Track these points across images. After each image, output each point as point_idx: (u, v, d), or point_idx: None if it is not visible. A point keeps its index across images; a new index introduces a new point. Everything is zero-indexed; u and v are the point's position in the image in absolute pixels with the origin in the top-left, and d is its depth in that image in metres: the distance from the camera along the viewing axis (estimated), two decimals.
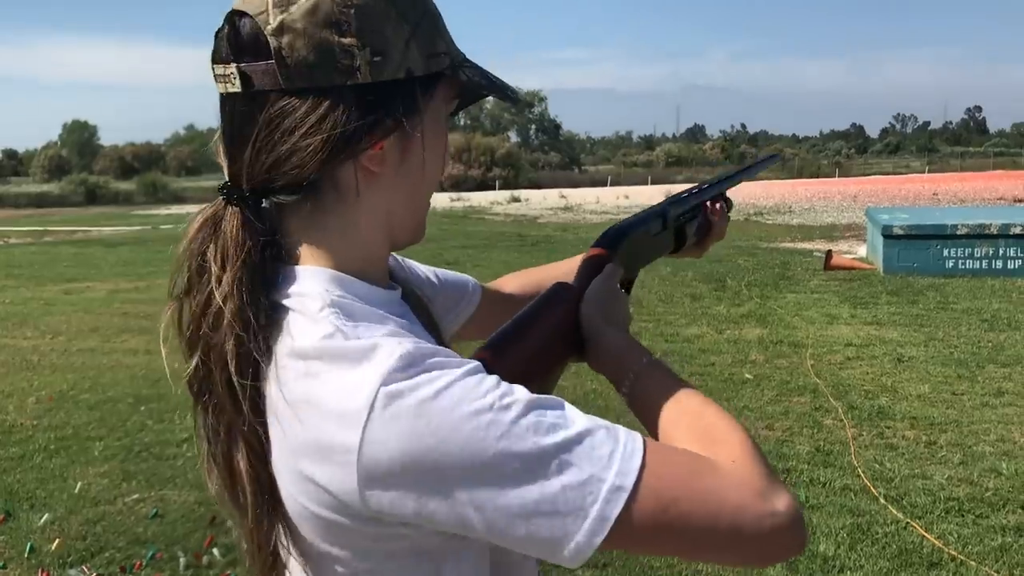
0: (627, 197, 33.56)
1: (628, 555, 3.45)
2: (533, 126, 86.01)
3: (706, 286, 10.27)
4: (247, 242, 0.83)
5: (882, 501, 4.14)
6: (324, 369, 0.76)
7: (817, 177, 54.06)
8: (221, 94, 0.85)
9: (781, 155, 1.59)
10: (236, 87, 0.82)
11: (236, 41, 0.82)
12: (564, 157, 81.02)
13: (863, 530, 3.86)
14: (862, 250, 13.61)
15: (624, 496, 0.72)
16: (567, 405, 0.76)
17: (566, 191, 37.50)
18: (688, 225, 1.24)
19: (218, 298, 0.81)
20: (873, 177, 54.12)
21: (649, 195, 34.99)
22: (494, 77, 0.92)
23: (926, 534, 3.79)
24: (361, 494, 0.73)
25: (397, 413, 0.72)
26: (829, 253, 12.22)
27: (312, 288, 0.83)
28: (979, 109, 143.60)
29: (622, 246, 1.06)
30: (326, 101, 0.80)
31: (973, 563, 3.57)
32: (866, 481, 4.38)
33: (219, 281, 0.82)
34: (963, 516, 4.00)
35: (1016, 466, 4.57)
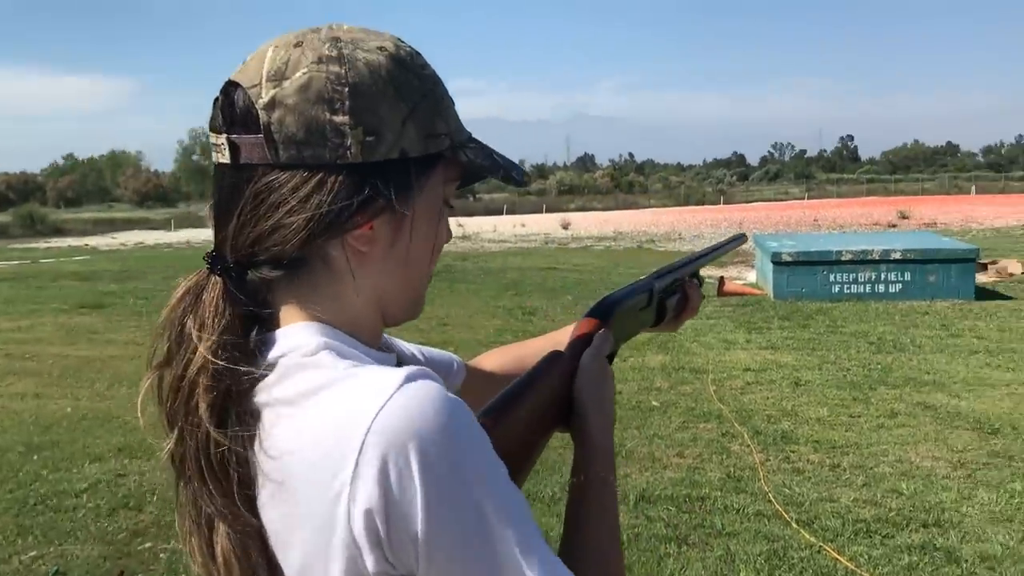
0: (523, 225, 33.88)
1: None
2: None
3: None
4: (227, 313, 0.82)
5: (795, 526, 4.27)
6: (320, 399, 0.76)
7: (702, 204, 55.75)
8: (214, 164, 0.84)
9: (746, 236, 1.69)
10: (226, 158, 0.82)
11: (229, 112, 0.81)
12: None
13: (780, 556, 3.96)
14: (751, 276, 14.09)
15: None
16: (529, 515, 0.78)
17: (463, 220, 37.61)
18: (668, 300, 1.28)
19: (193, 368, 0.80)
20: (755, 204, 56.20)
21: (544, 223, 35.45)
22: (499, 157, 0.90)
23: (839, 557, 3.92)
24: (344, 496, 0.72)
25: (406, 416, 0.72)
26: (722, 279, 12.41)
27: (303, 339, 0.81)
28: (851, 138, 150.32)
29: (613, 317, 1.07)
30: (313, 179, 0.79)
31: None
32: (777, 506, 4.50)
33: (195, 351, 0.80)
34: (871, 537, 4.15)
35: (915, 486, 4.78)
